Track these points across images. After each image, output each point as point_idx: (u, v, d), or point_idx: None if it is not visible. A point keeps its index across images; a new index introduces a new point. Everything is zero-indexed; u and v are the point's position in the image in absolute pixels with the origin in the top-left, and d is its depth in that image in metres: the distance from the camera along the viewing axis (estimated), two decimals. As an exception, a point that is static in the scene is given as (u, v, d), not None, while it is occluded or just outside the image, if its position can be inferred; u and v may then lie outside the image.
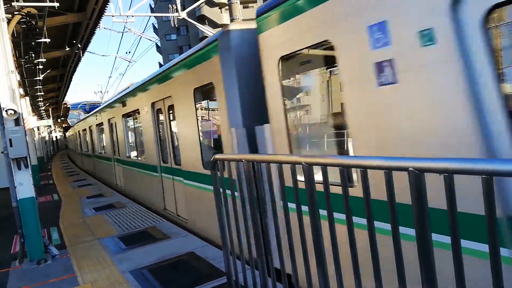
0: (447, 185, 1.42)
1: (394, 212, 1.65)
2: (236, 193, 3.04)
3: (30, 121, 14.96)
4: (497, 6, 2.07)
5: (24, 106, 13.34)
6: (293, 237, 2.48)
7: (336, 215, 2.14)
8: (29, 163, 5.49)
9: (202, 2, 12.83)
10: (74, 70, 19.85)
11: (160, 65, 46.57)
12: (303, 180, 2.19)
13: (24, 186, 5.42)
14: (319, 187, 2.12)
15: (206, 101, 5.98)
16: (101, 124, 14.60)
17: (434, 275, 1.53)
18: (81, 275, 4.79)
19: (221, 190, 3.19)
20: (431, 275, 1.53)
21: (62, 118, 56.07)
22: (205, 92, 5.70)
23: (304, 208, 2.27)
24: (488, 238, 1.32)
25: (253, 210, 2.88)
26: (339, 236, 2.08)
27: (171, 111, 7.10)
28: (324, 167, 2.05)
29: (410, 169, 1.52)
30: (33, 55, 12.29)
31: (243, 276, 3.15)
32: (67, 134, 43.05)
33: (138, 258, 5.16)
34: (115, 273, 4.72)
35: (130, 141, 11.18)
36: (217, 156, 3.13)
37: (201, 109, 6.03)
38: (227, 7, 13.10)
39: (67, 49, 14.90)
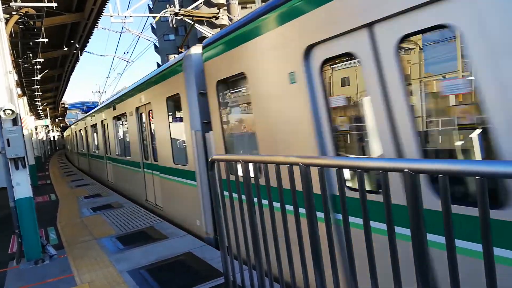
0: (442, 186, 1.44)
1: (389, 212, 1.67)
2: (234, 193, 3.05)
3: (28, 121, 14.91)
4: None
5: (21, 106, 13.32)
6: (291, 238, 2.49)
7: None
8: (26, 163, 5.49)
9: (201, 3, 12.82)
10: (72, 70, 19.84)
11: (159, 65, 46.24)
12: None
13: (22, 186, 5.41)
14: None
15: None
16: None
17: (428, 274, 1.55)
18: (79, 275, 4.79)
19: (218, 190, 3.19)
20: (425, 274, 1.55)
21: (60, 118, 55.98)
22: None
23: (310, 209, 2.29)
24: (482, 239, 1.33)
25: (250, 211, 2.89)
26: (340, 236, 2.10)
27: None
28: (320, 168, 2.07)
29: (405, 170, 1.54)
30: (31, 55, 12.29)
31: (241, 277, 3.17)
32: (65, 134, 42.63)
33: (136, 258, 5.16)
34: (112, 273, 4.73)
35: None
36: (215, 156, 3.14)
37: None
38: (225, 8, 13.09)
39: (65, 49, 14.91)
